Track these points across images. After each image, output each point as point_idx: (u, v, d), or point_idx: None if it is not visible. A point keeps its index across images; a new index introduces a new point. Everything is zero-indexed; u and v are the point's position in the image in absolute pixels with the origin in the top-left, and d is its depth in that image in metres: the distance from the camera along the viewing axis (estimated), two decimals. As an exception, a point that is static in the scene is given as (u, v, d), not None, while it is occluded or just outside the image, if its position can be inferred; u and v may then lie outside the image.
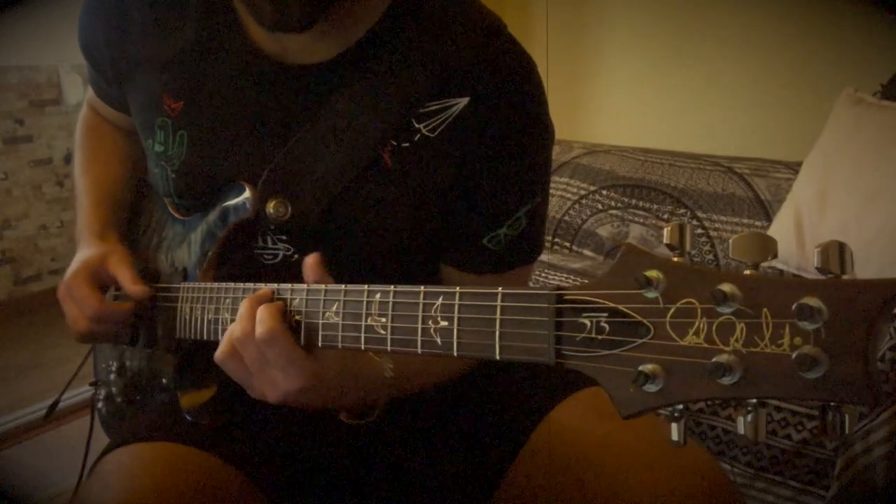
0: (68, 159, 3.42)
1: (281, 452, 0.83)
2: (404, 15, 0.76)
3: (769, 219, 1.67)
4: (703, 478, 0.70)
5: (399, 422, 0.86)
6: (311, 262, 0.66)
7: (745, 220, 1.71)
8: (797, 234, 1.55)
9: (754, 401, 0.42)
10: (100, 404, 1.03)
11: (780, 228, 1.58)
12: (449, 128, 0.76)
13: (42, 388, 2.39)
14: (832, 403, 0.39)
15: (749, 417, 0.42)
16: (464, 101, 0.75)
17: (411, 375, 0.76)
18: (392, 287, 0.59)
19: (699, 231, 1.73)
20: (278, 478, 0.81)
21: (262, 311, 0.65)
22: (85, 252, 0.91)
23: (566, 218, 1.97)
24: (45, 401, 2.05)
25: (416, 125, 0.76)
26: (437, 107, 0.75)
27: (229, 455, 0.78)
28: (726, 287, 0.40)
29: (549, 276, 1.75)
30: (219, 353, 0.67)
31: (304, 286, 0.66)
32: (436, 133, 0.76)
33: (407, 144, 0.76)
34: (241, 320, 0.66)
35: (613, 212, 1.90)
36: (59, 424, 1.84)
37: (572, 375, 0.85)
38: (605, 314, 0.46)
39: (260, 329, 0.64)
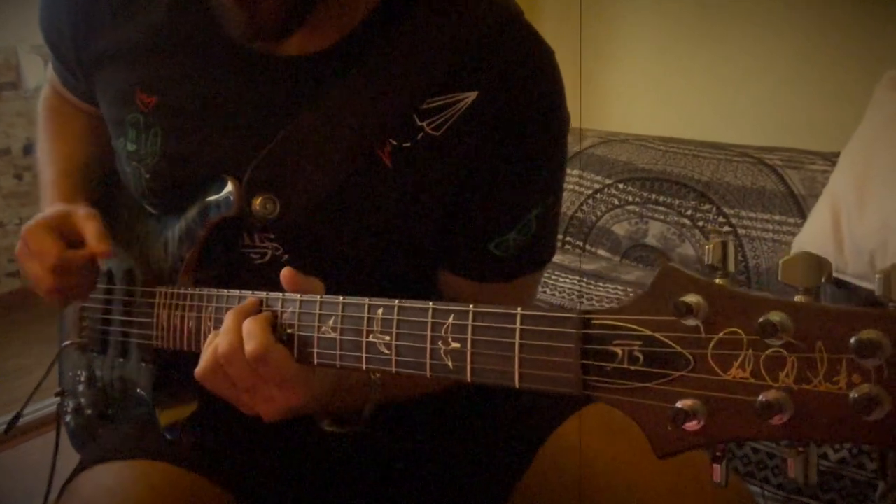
0: (28, 150, 3.38)
1: (270, 472, 0.84)
2: (407, 2, 0.75)
3: (803, 215, 1.67)
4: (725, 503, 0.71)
5: (399, 438, 0.87)
6: (287, 275, 0.66)
7: (777, 217, 1.70)
8: (834, 232, 1.54)
9: (806, 441, 0.41)
10: (68, 417, 1.03)
11: (815, 226, 1.58)
12: (455, 125, 0.75)
13: (1, 401, 2.39)
14: (894, 447, 0.39)
15: (799, 458, 0.42)
16: (472, 95, 0.74)
17: (399, 381, 0.76)
18: (396, 302, 0.59)
19: (726, 229, 1.73)
20: (268, 499, 0.82)
21: (249, 325, 0.65)
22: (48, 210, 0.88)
23: (579, 214, 1.97)
24: (4, 415, 2.05)
25: (419, 122, 0.75)
26: (441, 102, 0.75)
27: (216, 475, 0.79)
28: (775, 316, 0.40)
29: (560, 279, 1.75)
30: (200, 370, 0.68)
31: (297, 296, 0.66)
32: (440, 131, 0.75)
33: (408, 144, 0.75)
34: (226, 334, 0.66)
35: (631, 207, 1.90)
36: (21, 441, 1.83)
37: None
38: (639, 342, 0.46)
39: (250, 346, 0.64)
